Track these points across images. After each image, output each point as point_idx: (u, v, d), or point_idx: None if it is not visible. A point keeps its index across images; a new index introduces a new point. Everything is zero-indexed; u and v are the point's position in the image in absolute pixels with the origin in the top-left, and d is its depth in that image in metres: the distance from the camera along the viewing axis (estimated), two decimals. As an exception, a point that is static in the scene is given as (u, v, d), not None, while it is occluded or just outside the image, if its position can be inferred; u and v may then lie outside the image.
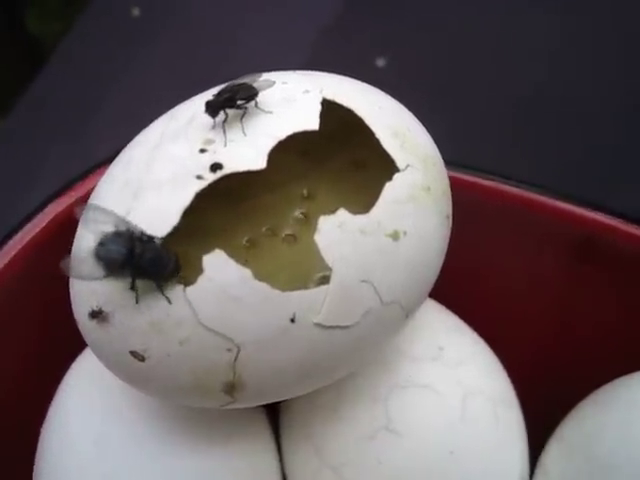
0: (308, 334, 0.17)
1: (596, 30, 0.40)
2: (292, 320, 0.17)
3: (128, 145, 0.20)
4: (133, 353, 0.17)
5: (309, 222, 0.20)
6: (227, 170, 0.17)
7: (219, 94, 0.18)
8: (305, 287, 0.18)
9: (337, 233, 0.17)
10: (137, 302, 0.17)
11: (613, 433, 0.22)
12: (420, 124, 0.20)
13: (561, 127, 0.38)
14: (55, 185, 0.24)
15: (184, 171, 0.17)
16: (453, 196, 0.20)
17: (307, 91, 0.19)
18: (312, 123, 0.18)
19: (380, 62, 0.40)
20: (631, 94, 0.38)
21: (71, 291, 0.19)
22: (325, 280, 0.17)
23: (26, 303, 0.24)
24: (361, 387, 0.22)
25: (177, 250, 0.17)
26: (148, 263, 0.17)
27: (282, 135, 0.18)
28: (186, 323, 0.17)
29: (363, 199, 0.19)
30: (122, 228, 0.17)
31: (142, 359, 0.17)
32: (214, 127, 0.18)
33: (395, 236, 0.18)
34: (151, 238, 0.17)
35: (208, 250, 0.17)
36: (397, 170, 0.18)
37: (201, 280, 0.17)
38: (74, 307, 0.19)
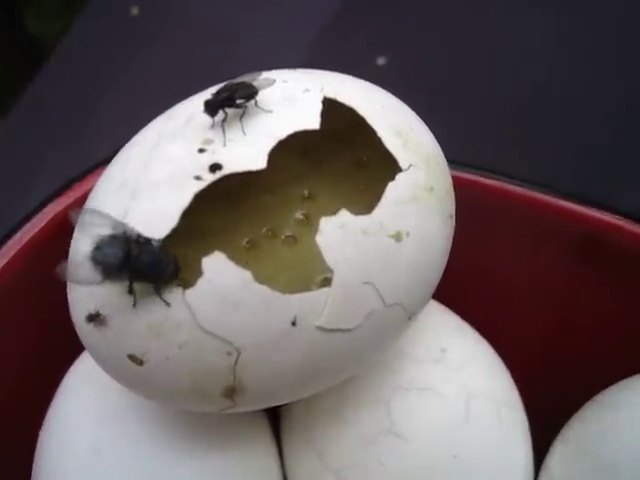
0: (309, 337, 0.17)
1: (595, 30, 0.40)
2: (293, 323, 0.17)
3: (126, 145, 0.20)
4: (131, 357, 0.17)
5: (310, 223, 0.20)
6: (226, 170, 0.17)
7: (218, 93, 0.18)
8: (306, 289, 0.17)
9: (338, 234, 0.17)
10: (135, 306, 0.17)
11: (619, 435, 0.22)
12: (423, 123, 0.20)
13: (560, 127, 0.38)
14: (55, 185, 0.24)
15: (182, 171, 0.17)
16: (455, 195, 0.20)
17: (308, 90, 0.18)
18: (313, 122, 0.18)
19: (380, 60, 0.40)
20: (629, 94, 0.38)
21: (68, 294, 0.19)
22: (326, 282, 0.17)
23: (25, 303, 0.23)
24: (363, 390, 0.22)
25: (176, 252, 0.17)
26: (146, 266, 0.16)
27: (282, 134, 0.17)
28: (185, 326, 0.17)
29: (365, 199, 0.19)
30: (119, 231, 0.17)
31: (140, 363, 0.17)
32: (213, 127, 0.18)
33: (398, 237, 0.18)
34: (148, 240, 0.17)
35: (207, 252, 0.17)
36: (400, 170, 0.18)
37: (200, 282, 0.17)
38: (71, 310, 0.19)
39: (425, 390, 0.21)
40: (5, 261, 0.23)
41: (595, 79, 0.38)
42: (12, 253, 0.23)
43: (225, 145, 0.18)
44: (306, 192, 0.21)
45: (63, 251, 0.18)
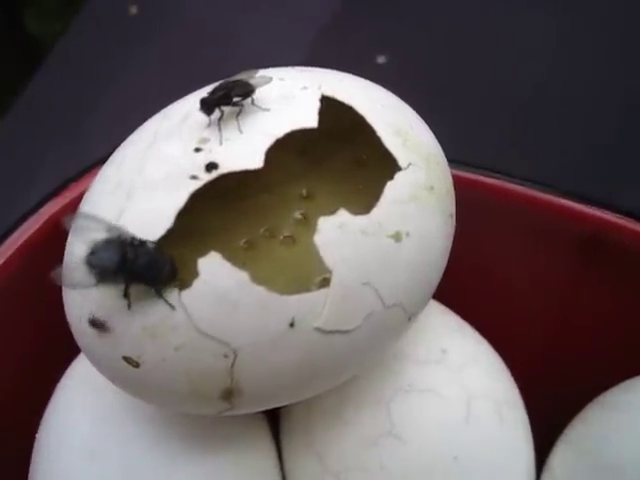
0: (308, 339, 0.17)
1: (595, 30, 0.40)
2: (291, 324, 0.17)
3: (121, 145, 0.19)
4: (127, 359, 0.17)
5: (308, 223, 0.20)
6: (223, 170, 0.17)
7: (214, 91, 0.18)
8: (304, 290, 0.17)
9: (337, 234, 0.17)
10: (129, 308, 0.17)
11: (621, 436, 0.22)
12: (423, 122, 0.20)
13: (560, 127, 0.38)
14: (53, 184, 0.24)
15: (178, 171, 0.17)
16: (455, 195, 0.20)
17: (305, 87, 0.18)
18: (311, 120, 0.18)
19: (380, 59, 0.40)
20: (630, 94, 0.38)
21: (64, 296, 0.18)
22: (325, 283, 0.17)
23: (22, 304, 0.23)
24: (364, 391, 0.21)
25: (172, 253, 0.17)
26: (143, 268, 0.16)
27: (280, 133, 0.17)
28: (181, 328, 0.17)
29: (364, 199, 0.18)
30: (113, 234, 0.17)
31: (136, 365, 0.17)
32: (209, 125, 0.18)
33: (397, 237, 0.18)
34: (143, 242, 0.16)
35: (204, 252, 0.16)
36: (399, 169, 0.18)
37: (197, 283, 0.16)
38: (67, 312, 0.18)
39: (426, 392, 0.21)
40: (2, 261, 0.23)
41: (595, 79, 0.38)
42: (9, 253, 0.23)
43: (221, 144, 0.17)
44: (304, 191, 0.20)
45: (59, 251, 0.18)
